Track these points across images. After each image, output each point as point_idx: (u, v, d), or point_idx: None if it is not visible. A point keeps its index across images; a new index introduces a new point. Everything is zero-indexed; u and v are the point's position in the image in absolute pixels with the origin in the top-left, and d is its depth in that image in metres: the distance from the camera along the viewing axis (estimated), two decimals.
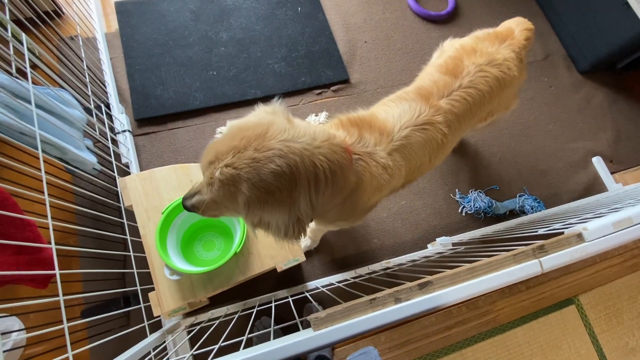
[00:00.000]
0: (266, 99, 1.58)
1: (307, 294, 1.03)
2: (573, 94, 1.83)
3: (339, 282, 1.17)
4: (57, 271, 0.69)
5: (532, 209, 1.55)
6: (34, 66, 1.07)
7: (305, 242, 1.32)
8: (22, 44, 0.84)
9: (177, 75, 1.54)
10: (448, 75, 0.86)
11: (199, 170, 0.81)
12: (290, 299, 1.01)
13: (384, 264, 1.33)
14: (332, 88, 1.64)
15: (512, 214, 1.57)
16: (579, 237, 0.68)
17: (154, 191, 1.08)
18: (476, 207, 1.51)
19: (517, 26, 1.05)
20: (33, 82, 0.85)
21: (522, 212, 1.56)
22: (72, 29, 1.45)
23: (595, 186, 1.66)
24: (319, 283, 1.26)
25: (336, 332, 0.54)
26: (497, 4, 1.98)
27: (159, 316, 1.00)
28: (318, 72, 1.64)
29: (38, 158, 0.75)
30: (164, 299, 0.99)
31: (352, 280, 1.15)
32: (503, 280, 0.60)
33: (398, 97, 0.85)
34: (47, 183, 0.73)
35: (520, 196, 1.58)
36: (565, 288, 1.47)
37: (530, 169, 1.65)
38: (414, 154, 0.81)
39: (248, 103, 1.56)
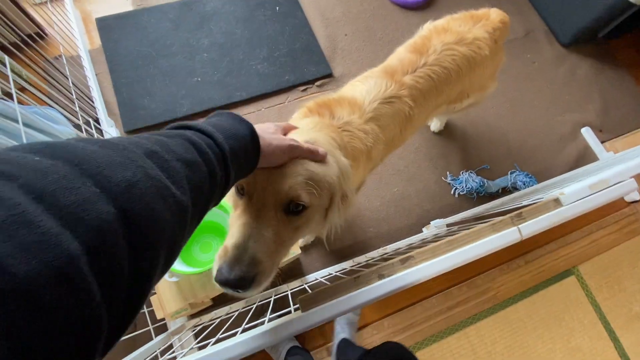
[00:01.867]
0: (252, 100, 1.61)
1: (305, 286, 1.05)
2: (557, 67, 1.84)
3: (337, 271, 1.18)
4: None
5: (524, 184, 1.56)
6: (22, 88, 1.10)
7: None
8: (5, 66, 0.87)
9: (162, 84, 1.57)
10: (414, 54, 0.88)
11: None
12: (289, 292, 1.03)
13: (380, 250, 1.35)
14: (317, 83, 1.65)
15: (505, 191, 1.58)
16: (557, 202, 0.69)
17: None
18: (468, 188, 1.52)
19: (493, 12, 1.06)
20: (21, 103, 0.89)
21: (515, 188, 1.57)
22: (55, 49, 1.47)
23: (586, 157, 1.67)
24: (317, 275, 1.28)
25: (323, 311, 0.56)
26: None
27: (163, 319, 1.03)
28: (301, 69, 1.66)
29: None
30: (166, 302, 1.01)
31: (350, 268, 1.17)
32: (482, 249, 0.62)
33: (364, 77, 0.87)
34: None
35: (511, 173, 1.59)
36: (564, 259, 1.48)
37: (520, 146, 1.66)
38: (387, 125, 0.83)
39: (234, 105, 1.58)
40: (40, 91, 1.13)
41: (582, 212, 0.68)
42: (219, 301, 1.25)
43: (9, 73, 0.86)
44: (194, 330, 1.14)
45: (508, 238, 0.64)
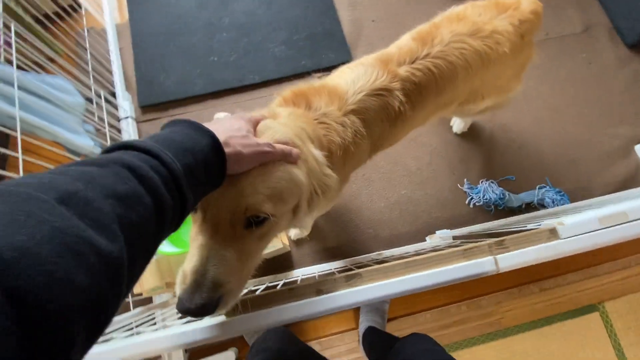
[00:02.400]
0: (264, 84, 1.56)
1: (279, 283, 1.02)
2: (617, 71, 1.58)
3: (320, 272, 1.13)
4: None
5: (553, 202, 1.37)
6: (51, 59, 1.16)
7: (294, 230, 1.29)
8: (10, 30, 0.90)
9: (179, 62, 1.57)
10: (417, 42, 0.77)
11: None
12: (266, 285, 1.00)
13: (374, 255, 1.27)
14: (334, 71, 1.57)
15: (530, 207, 1.41)
16: (552, 233, 0.58)
17: None
18: (486, 199, 1.38)
19: (525, 1, 0.90)
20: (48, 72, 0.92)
21: (542, 205, 1.40)
22: (87, 22, 1.53)
23: (637, 178, 1.43)
24: (301, 272, 1.24)
25: (246, 320, 0.52)
26: None
27: (141, 294, 1.05)
28: (320, 54, 1.58)
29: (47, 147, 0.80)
30: (144, 277, 1.03)
31: (333, 270, 1.11)
32: (445, 277, 0.53)
33: (356, 63, 0.79)
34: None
35: (540, 188, 1.41)
36: (589, 293, 1.30)
37: (556, 158, 1.46)
38: (372, 120, 0.74)
39: (246, 89, 1.55)
40: (69, 62, 1.19)
41: (582, 249, 0.56)
42: None
43: (13, 37, 0.89)
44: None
45: (480, 268, 0.54)
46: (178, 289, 0.48)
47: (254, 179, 0.48)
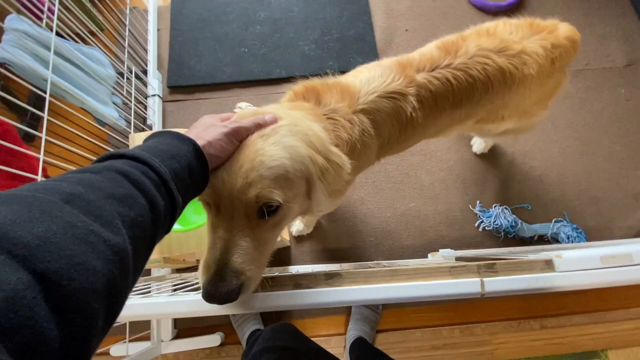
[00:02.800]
0: (289, 79, 1.57)
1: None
2: None
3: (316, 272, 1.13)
4: None
5: (568, 238, 1.31)
6: (92, 32, 1.22)
7: (297, 226, 1.30)
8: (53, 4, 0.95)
9: (211, 49, 1.62)
10: (440, 51, 0.76)
11: None
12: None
13: (372, 264, 1.25)
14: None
15: (542, 240, 1.35)
16: (548, 265, 0.55)
17: None
18: (497, 224, 1.33)
19: (563, 26, 0.87)
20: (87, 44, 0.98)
21: (555, 240, 1.33)
22: (132, 2, 1.60)
23: None
24: (297, 269, 1.24)
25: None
26: None
27: None
28: (347, 57, 1.59)
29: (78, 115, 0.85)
30: None
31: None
32: (426, 292, 0.52)
33: (374, 64, 0.78)
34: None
35: (556, 222, 1.35)
36: (593, 338, 1.23)
37: (578, 193, 1.40)
38: (382, 122, 0.73)
39: (271, 82, 1.57)
40: (108, 37, 1.25)
41: (577, 286, 0.53)
42: None
43: (56, 7, 0.94)
44: (173, 285, 1.19)
45: (465, 289, 0.53)
46: (201, 279, 0.51)
47: (255, 167, 0.49)
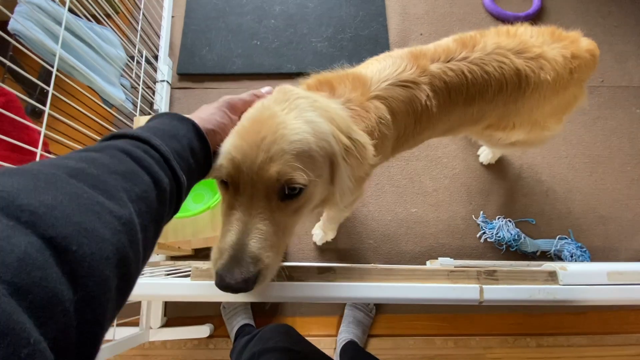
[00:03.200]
0: (299, 74, 1.56)
1: None
2: None
3: None
4: None
5: (571, 256, 1.28)
6: (107, 15, 1.22)
7: (318, 234, 1.25)
8: None
9: (224, 39, 1.61)
10: (457, 43, 0.74)
11: None
12: None
13: (370, 266, 1.23)
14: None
15: (545, 256, 1.32)
16: (552, 276, 0.53)
17: None
18: (499, 237, 1.30)
19: (585, 40, 0.85)
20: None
21: (558, 257, 1.30)
22: None
23: None
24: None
25: (208, 287, 0.51)
26: (598, 12, 1.66)
27: None
28: (360, 57, 1.54)
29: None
30: None
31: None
32: (422, 294, 0.50)
33: (385, 55, 0.76)
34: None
35: (561, 239, 1.32)
36: None
37: (585, 211, 1.36)
38: (397, 109, 0.70)
39: (281, 76, 1.56)
40: (122, 19, 1.25)
41: (582, 301, 0.51)
42: (200, 256, 1.27)
43: None
44: (167, 271, 1.18)
45: (463, 294, 0.50)
46: (214, 266, 0.47)
47: (276, 141, 0.46)
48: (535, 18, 1.64)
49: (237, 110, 0.50)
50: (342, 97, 0.67)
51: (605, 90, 1.53)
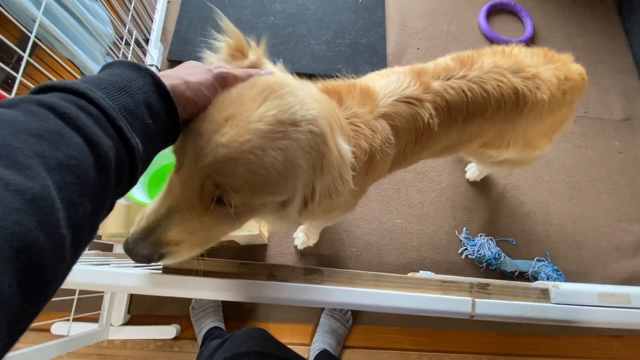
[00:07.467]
0: (295, 75, 1.54)
1: None
2: None
3: None
4: None
5: (548, 278, 1.30)
6: None
7: (300, 238, 1.22)
8: None
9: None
10: (455, 62, 0.74)
11: None
12: None
13: (358, 272, 1.20)
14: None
15: (522, 277, 1.33)
16: (544, 294, 0.51)
17: None
18: (480, 254, 1.30)
19: (575, 65, 0.87)
20: None
21: (535, 278, 1.32)
22: None
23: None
24: None
25: (182, 282, 0.46)
26: (584, 47, 1.74)
27: (100, 236, 0.99)
28: (356, 64, 1.56)
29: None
30: (108, 221, 0.98)
31: None
32: (410, 303, 0.47)
33: (387, 71, 0.74)
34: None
35: (538, 260, 1.33)
36: None
37: (563, 236, 1.39)
38: (401, 127, 0.68)
39: None
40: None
41: (572, 321, 0.49)
42: None
43: None
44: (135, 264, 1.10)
45: (454, 307, 0.48)
46: (132, 228, 0.43)
47: (246, 126, 0.39)
48: (526, 44, 1.70)
49: (227, 86, 0.44)
50: (349, 110, 0.64)
51: (588, 120, 1.58)
